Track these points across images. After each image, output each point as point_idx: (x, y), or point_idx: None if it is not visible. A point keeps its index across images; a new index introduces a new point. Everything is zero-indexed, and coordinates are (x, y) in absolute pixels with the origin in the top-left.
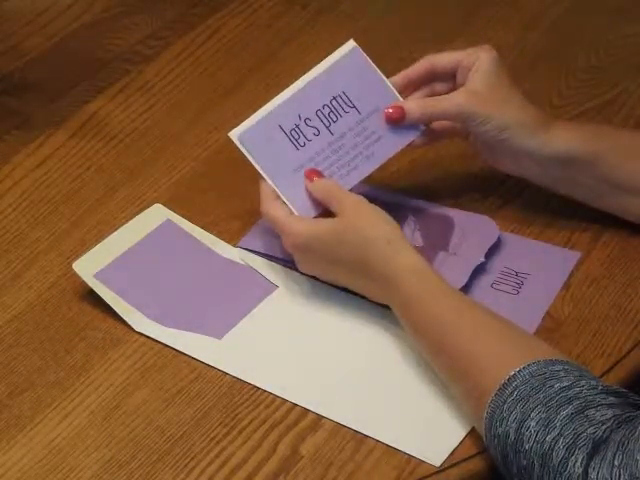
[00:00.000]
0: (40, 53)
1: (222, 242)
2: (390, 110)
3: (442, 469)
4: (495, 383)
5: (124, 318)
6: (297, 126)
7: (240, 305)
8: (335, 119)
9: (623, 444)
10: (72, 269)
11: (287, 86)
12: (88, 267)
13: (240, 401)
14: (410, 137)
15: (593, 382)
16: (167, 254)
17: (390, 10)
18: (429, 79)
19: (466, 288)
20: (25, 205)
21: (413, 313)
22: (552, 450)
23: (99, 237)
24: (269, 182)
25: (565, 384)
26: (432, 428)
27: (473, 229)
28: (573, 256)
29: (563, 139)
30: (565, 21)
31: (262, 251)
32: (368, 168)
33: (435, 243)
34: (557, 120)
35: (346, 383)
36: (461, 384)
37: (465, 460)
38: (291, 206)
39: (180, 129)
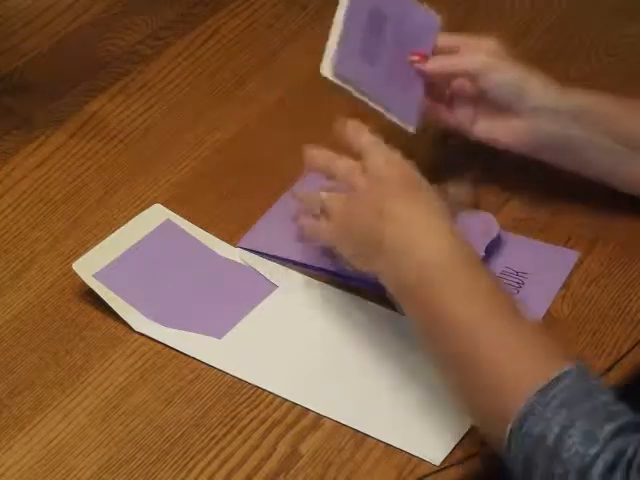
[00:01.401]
0: (40, 53)
1: (222, 242)
2: (415, 57)
3: (442, 468)
4: (531, 385)
5: (124, 318)
6: (364, 44)
7: (240, 305)
8: (380, 30)
9: None
10: (72, 269)
11: (287, 86)
12: (88, 267)
13: (240, 401)
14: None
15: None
16: (167, 254)
17: None
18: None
19: None
20: (25, 205)
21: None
22: (592, 465)
23: (99, 237)
24: (372, 105)
25: (609, 399)
26: (432, 427)
27: (473, 225)
28: (573, 255)
29: (582, 94)
30: (565, 21)
31: (263, 250)
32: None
33: None
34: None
35: (346, 382)
36: (484, 377)
37: (465, 459)
38: (399, 119)
39: (180, 129)
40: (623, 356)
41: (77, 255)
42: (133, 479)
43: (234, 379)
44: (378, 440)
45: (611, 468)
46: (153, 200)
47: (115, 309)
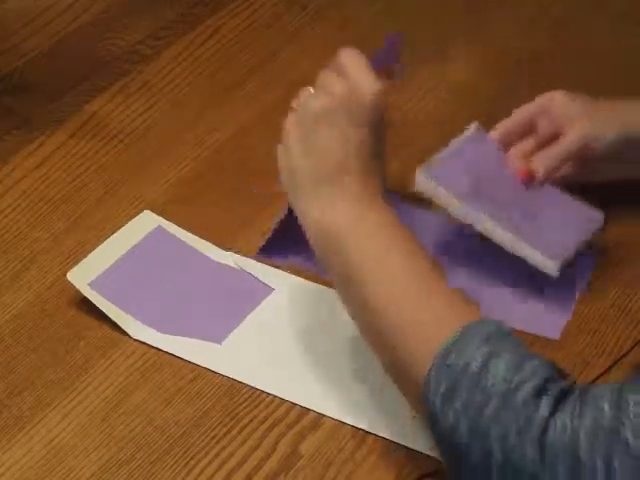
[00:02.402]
0: (40, 53)
1: (214, 247)
2: (522, 174)
3: (442, 468)
4: (455, 325)
5: (122, 326)
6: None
7: (237, 309)
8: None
9: (583, 393)
10: (71, 269)
11: (287, 86)
12: (82, 276)
13: (240, 400)
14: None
15: None
16: (160, 260)
17: (390, 11)
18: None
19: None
20: (25, 205)
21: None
22: (518, 390)
23: (99, 237)
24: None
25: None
26: None
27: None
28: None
29: None
30: (566, 23)
31: (280, 261)
32: None
33: None
34: None
35: (347, 381)
36: (406, 323)
37: None
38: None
39: (180, 129)
40: (623, 356)
41: (77, 255)
42: (133, 479)
43: (234, 379)
44: (380, 437)
45: (537, 394)
46: (153, 200)
47: (112, 318)
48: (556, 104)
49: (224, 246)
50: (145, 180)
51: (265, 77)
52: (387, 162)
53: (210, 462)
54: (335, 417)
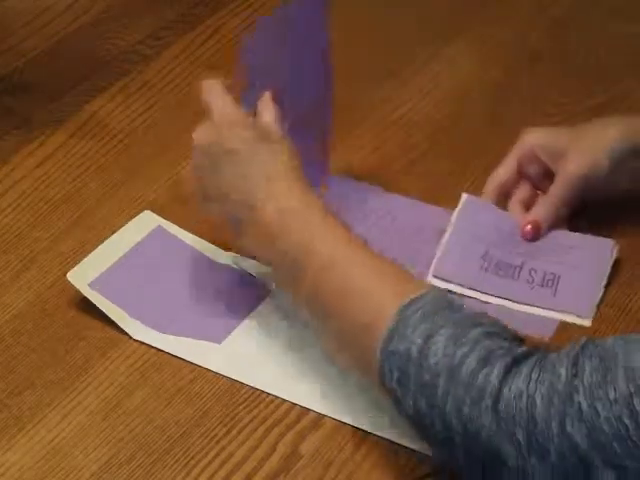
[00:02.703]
0: (40, 53)
1: (214, 247)
2: (528, 228)
3: (442, 468)
4: (394, 306)
5: (122, 327)
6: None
7: (237, 309)
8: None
9: (541, 360)
10: (71, 269)
11: None
12: (82, 276)
13: (240, 400)
14: None
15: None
16: (160, 261)
17: (390, 11)
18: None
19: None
20: (25, 205)
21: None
22: (462, 364)
23: (99, 237)
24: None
25: (471, 312)
26: None
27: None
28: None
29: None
30: (565, 20)
31: None
32: None
33: None
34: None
35: (347, 381)
36: (351, 313)
37: None
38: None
39: (180, 129)
40: None
41: (77, 255)
42: (133, 479)
43: (234, 379)
44: (380, 437)
45: (483, 364)
46: (153, 200)
47: (112, 318)
48: (538, 146)
49: (224, 246)
50: (145, 180)
51: None
52: (387, 165)
53: (210, 462)
54: (335, 417)
